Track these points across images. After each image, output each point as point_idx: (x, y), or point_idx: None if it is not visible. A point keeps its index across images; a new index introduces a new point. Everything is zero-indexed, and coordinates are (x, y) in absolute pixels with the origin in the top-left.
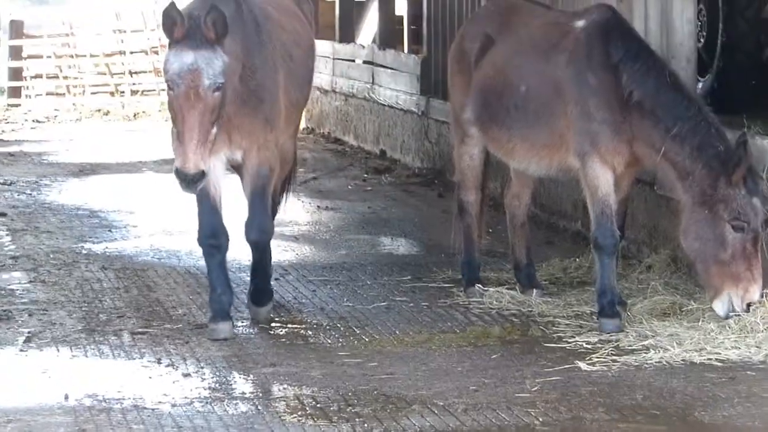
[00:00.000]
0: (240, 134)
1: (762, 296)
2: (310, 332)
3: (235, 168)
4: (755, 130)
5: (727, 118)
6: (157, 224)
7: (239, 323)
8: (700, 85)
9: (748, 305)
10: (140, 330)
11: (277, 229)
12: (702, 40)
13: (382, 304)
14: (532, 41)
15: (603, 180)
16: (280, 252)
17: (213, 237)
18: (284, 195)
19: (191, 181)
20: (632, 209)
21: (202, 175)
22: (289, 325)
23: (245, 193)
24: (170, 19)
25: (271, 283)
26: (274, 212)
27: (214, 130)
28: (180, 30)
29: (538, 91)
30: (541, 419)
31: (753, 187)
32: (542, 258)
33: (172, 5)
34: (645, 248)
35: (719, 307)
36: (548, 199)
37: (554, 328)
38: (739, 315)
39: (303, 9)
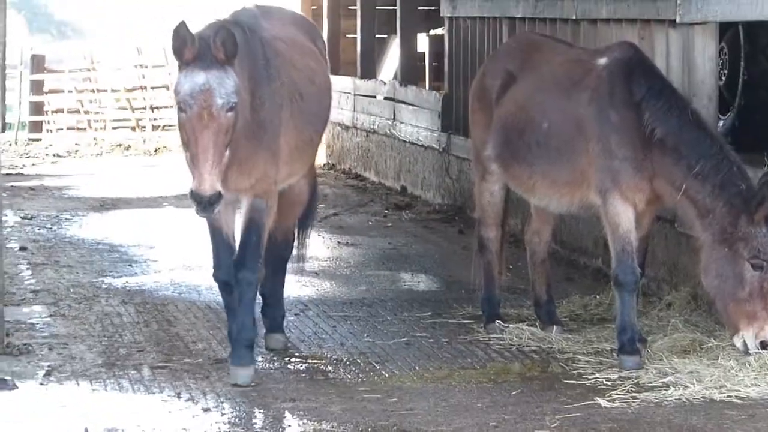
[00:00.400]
0: (244, 167)
1: None
2: (330, 367)
3: None
4: None
5: (748, 157)
6: (178, 259)
7: (258, 358)
8: (721, 123)
9: (762, 344)
10: (160, 364)
11: (297, 265)
12: (723, 78)
13: (402, 339)
14: (554, 78)
15: (624, 217)
16: (300, 287)
17: (227, 273)
18: (304, 234)
19: (208, 203)
20: (653, 246)
21: (219, 196)
22: (309, 360)
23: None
24: (180, 39)
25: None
26: (290, 251)
27: (228, 152)
28: (190, 51)
29: (559, 128)
30: None
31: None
32: (562, 295)
33: (182, 25)
34: (665, 285)
35: (739, 344)
36: (569, 235)
37: (574, 364)
38: (759, 353)
39: (318, 45)
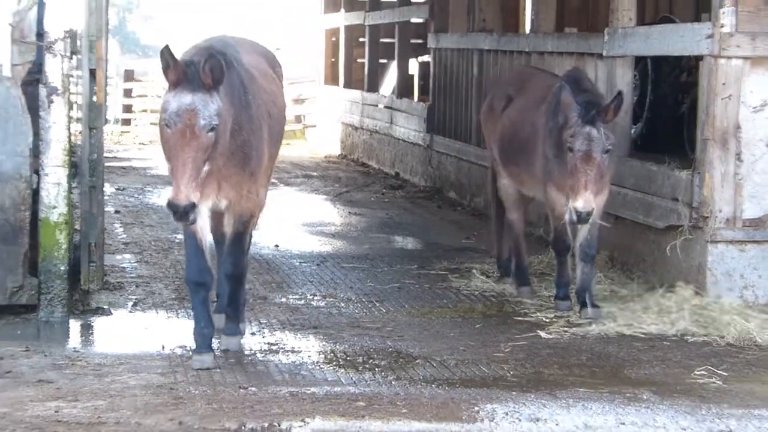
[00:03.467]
0: (228, 185)
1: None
2: (343, 304)
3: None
4: (674, 165)
5: (653, 156)
6: None
7: (291, 297)
8: (633, 130)
9: (575, 210)
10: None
11: (318, 228)
12: (636, 97)
13: (396, 285)
14: (534, 99)
15: (558, 203)
16: (322, 245)
17: (198, 276)
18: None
19: (183, 212)
20: None
21: (193, 206)
22: (328, 299)
23: (226, 232)
24: (164, 62)
25: (244, 323)
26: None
27: (206, 168)
28: (173, 73)
29: (529, 136)
30: (511, 372)
31: (587, 117)
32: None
33: (166, 49)
34: None
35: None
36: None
37: (522, 306)
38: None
39: (276, 71)
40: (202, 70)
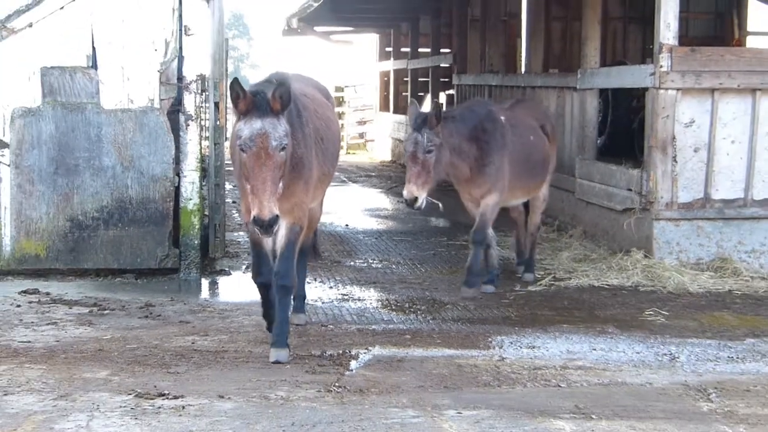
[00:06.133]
0: (284, 196)
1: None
2: (394, 266)
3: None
4: (628, 165)
5: (613, 159)
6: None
7: (357, 261)
8: (599, 141)
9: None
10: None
11: (376, 212)
12: (600, 117)
13: (431, 252)
14: None
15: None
16: (378, 224)
17: (265, 277)
18: (315, 241)
19: (268, 225)
20: (564, 206)
21: (277, 218)
22: (383, 262)
23: (279, 243)
24: (234, 93)
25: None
26: (308, 254)
27: (281, 184)
28: (243, 103)
29: None
30: (514, 314)
31: (415, 125)
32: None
33: (236, 81)
34: (569, 225)
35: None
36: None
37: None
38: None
39: (330, 101)
40: (272, 96)
